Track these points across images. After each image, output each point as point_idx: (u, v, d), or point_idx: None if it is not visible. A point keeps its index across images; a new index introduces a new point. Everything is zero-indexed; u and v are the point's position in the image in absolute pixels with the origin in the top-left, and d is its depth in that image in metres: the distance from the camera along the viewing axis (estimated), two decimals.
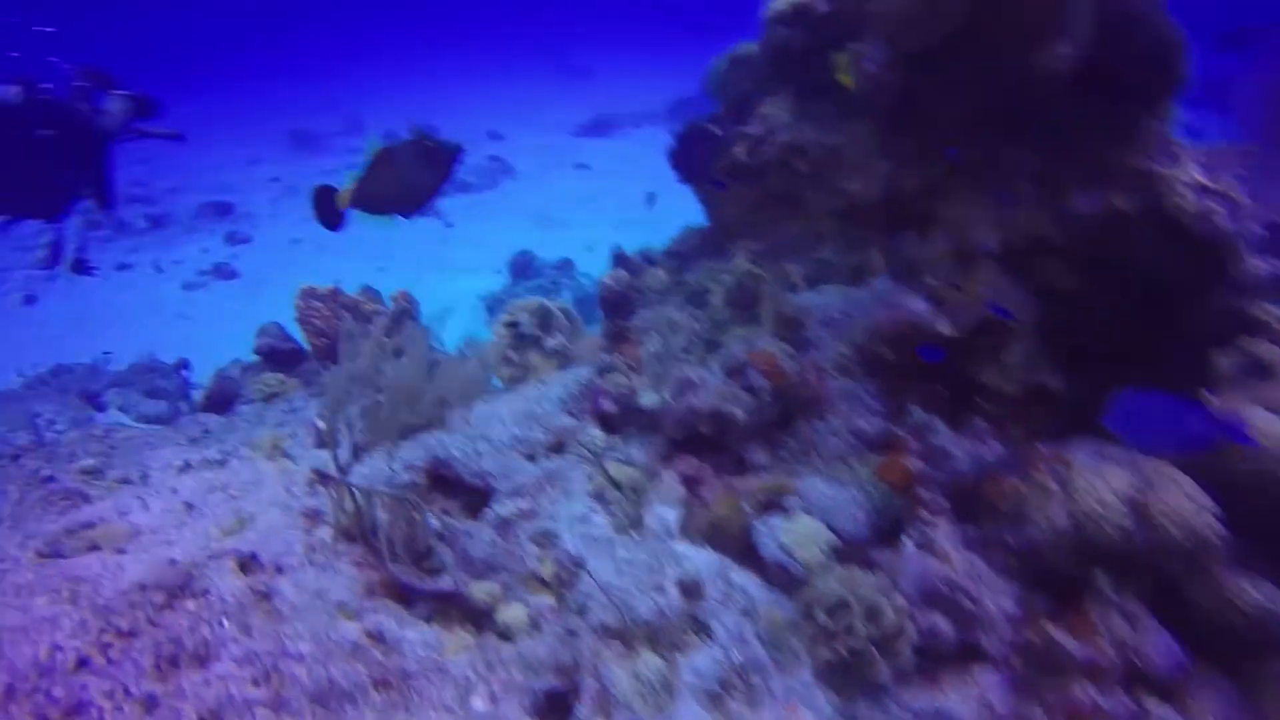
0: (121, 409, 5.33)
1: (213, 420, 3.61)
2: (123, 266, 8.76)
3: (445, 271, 8.45)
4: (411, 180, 2.49)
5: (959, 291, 2.36)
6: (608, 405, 2.59)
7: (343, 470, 2.53)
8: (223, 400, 4.22)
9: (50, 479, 3.06)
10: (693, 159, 3.20)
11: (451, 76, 20.46)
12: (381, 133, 13.48)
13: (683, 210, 4.41)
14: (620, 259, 3.55)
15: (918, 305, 2.41)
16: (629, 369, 2.83)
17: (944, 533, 2.03)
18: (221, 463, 2.73)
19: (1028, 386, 2.27)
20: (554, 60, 21.55)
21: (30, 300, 7.98)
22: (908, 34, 2.25)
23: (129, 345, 6.94)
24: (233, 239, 9.48)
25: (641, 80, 19.14)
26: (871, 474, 2.15)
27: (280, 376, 3.80)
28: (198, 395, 5.62)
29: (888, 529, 2.10)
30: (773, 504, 2.14)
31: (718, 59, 3.38)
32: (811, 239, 3.13)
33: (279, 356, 4.06)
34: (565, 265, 7.70)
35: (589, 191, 10.94)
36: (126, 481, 2.95)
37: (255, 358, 4.18)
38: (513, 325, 2.85)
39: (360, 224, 2.55)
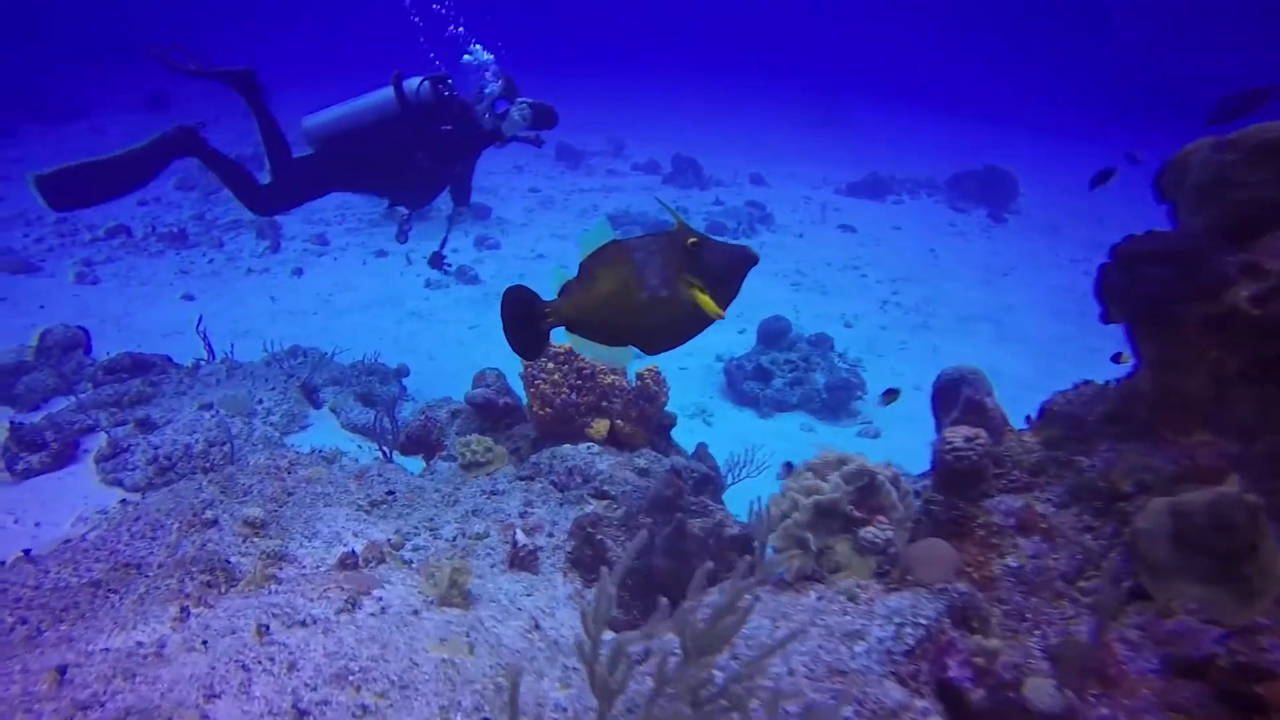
0: (334, 410, 5.02)
1: (400, 480, 2.96)
2: (380, 254, 8.90)
3: None
4: (662, 302, 1.65)
5: None
6: (962, 679, 1.54)
7: None
8: (422, 444, 3.62)
9: (214, 523, 2.49)
10: (1146, 290, 2.04)
11: (715, 118, 20.16)
12: (609, 212, 13.09)
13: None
14: (972, 406, 2.45)
15: None
16: (986, 598, 1.75)
17: None
18: (381, 609, 1.95)
19: None
20: (825, 112, 20.61)
21: (298, 273, 8.24)
22: None
23: (362, 335, 6.82)
24: (482, 244, 9.41)
25: (920, 146, 17.70)
26: None
27: (488, 443, 3.09)
28: (402, 416, 5.23)
29: None
30: None
31: (1199, 144, 2.19)
32: None
33: (493, 412, 3.38)
34: (821, 341, 6.65)
35: (853, 258, 9.80)
36: (280, 560, 2.30)
37: (467, 405, 3.54)
38: (812, 493, 1.86)
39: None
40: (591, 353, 1.75)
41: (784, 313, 7.67)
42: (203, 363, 5.45)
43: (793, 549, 1.82)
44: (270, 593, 2.00)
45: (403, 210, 5.47)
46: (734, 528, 2.39)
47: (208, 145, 4.86)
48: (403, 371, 5.69)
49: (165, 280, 7.65)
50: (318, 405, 5.06)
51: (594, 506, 2.75)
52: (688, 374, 6.67)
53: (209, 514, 2.51)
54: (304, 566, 2.34)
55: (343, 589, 1.99)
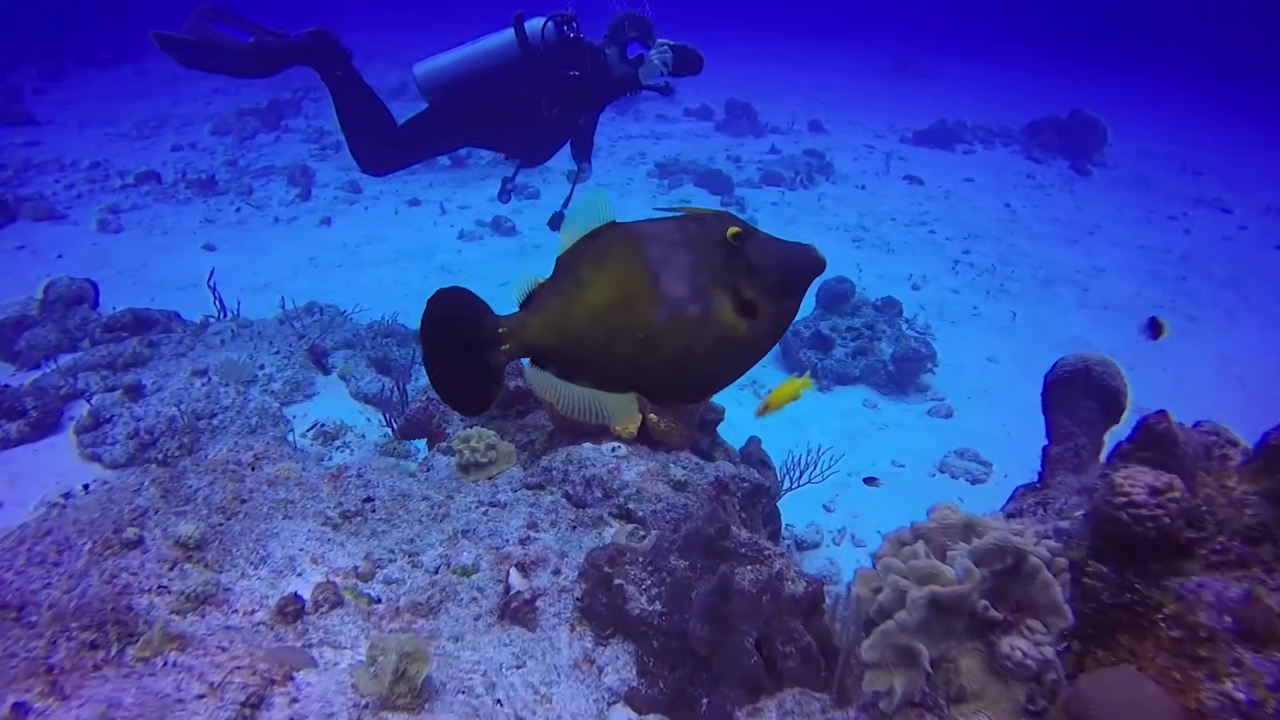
0: (343, 377, 4.49)
1: (383, 483, 2.39)
2: (414, 202, 8.32)
3: None
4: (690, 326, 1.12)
5: None
6: None
7: None
8: (422, 430, 3.05)
9: (138, 543, 1.95)
10: None
11: (772, 62, 18.92)
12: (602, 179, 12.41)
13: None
14: (1156, 436, 1.72)
15: None
16: None
17: None
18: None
19: None
20: (892, 58, 19.18)
21: (326, 222, 7.72)
22: None
23: (387, 291, 6.28)
24: (520, 192, 8.74)
25: (993, 93, 16.32)
26: None
27: (491, 439, 2.49)
28: (418, 385, 4.67)
29: None
30: None
31: None
32: None
33: (502, 396, 2.78)
34: (888, 306, 5.87)
35: (920, 213, 8.87)
36: (204, 603, 1.75)
37: None
38: (927, 579, 1.21)
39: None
40: (568, 404, 1.14)
41: (845, 272, 6.89)
42: (211, 320, 4.97)
43: (894, 663, 1.17)
44: (155, 671, 1.44)
45: (510, 167, 4.90)
46: (797, 583, 1.75)
47: (346, 61, 4.26)
48: None
49: (188, 229, 7.20)
50: (327, 371, 4.54)
51: (615, 531, 2.13)
52: None
53: (132, 531, 1.97)
54: (234, 611, 1.78)
55: (255, 671, 1.42)
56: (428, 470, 2.66)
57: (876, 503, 4.26)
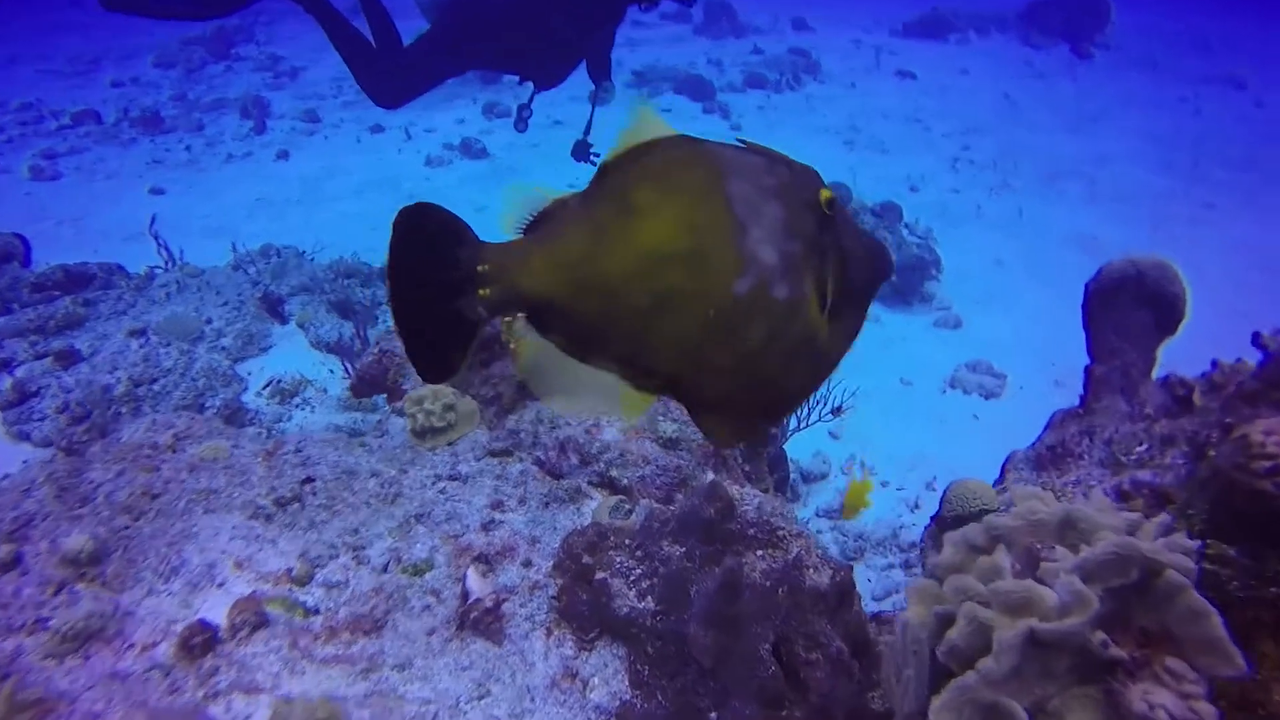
0: (301, 325, 4.07)
1: (326, 458, 2.01)
2: (377, 129, 7.70)
3: None
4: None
5: None
6: None
7: None
8: (378, 386, 2.66)
9: (14, 564, 1.59)
10: None
11: None
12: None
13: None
14: None
15: None
16: None
17: None
18: None
19: None
20: None
21: (283, 156, 7.12)
22: None
23: (351, 226, 5.78)
24: (491, 110, 8.10)
25: None
26: None
27: (448, 399, 2.10)
28: (383, 329, 4.25)
29: None
30: None
31: None
32: None
33: None
34: (888, 210, 5.41)
35: (915, 109, 8.27)
36: (90, 639, 1.40)
37: None
38: (1019, 608, 0.84)
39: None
40: (570, 398, 0.77)
41: (838, 176, 6.38)
42: (158, 271, 4.51)
43: None
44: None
45: (524, 90, 4.40)
46: (821, 571, 1.40)
47: None
48: None
49: (134, 172, 6.61)
50: (284, 320, 4.12)
51: (596, 506, 1.77)
52: None
53: (7, 549, 1.60)
54: (129, 646, 1.43)
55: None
56: (382, 436, 2.29)
57: (887, 426, 3.93)
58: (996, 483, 2.33)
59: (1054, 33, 10.62)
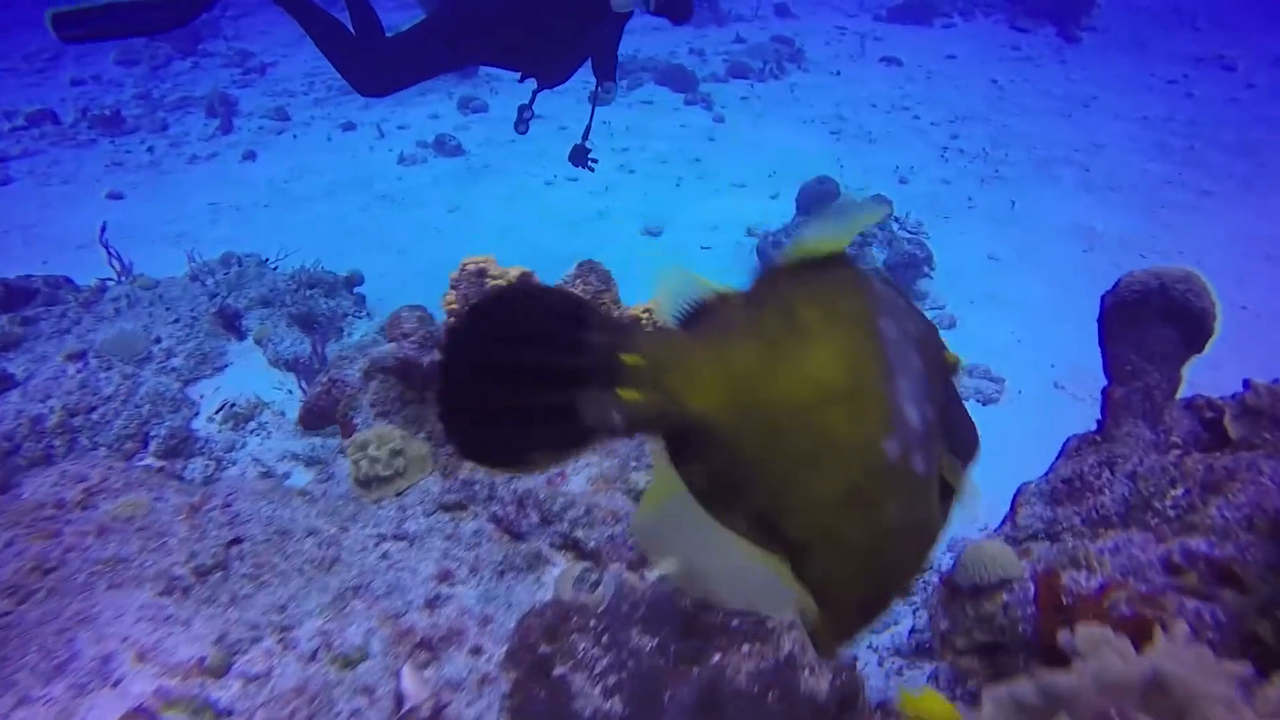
0: (259, 341, 3.80)
1: (259, 513, 1.77)
2: (348, 126, 7.38)
3: (705, 181, 6.24)
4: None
5: None
6: None
7: None
8: (327, 418, 2.42)
9: None
10: None
11: None
12: None
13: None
14: None
15: None
16: None
17: None
18: None
19: None
20: None
21: (250, 157, 6.81)
22: None
23: (321, 230, 5.51)
24: (466, 105, 7.80)
25: None
26: None
27: (395, 443, 1.85)
28: (351, 341, 3.99)
29: None
30: None
31: None
32: None
33: (414, 378, 2.12)
34: (877, 204, 5.17)
35: (901, 97, 8.02)
36: None
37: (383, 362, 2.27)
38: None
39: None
40: (702, 573, 0.54)
41: (824, 168, 6.14)
42: (110, 284, 4.23)
43: None
44: None
45: (500, 85, 4.11)
46: (819, 677, 1.16)
47: None
48: (355, 280, 4.41)
49: (92, 176, 6.29)
50: (241, 335, 3.85)
51: (559, 574, 1.54)
52: (713, 254, 5.31)
53: None
54: None
55: None
56: (327, 480, 2.04)
57: None
58: (1006, 518, 2.11)
59: (1041, 14, 10.38)
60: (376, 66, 3.72)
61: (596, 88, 4.08)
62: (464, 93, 8.00)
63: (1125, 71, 8.80)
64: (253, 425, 3.26)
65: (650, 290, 0.66)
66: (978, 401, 3.94)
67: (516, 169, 6.43)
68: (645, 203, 5.84)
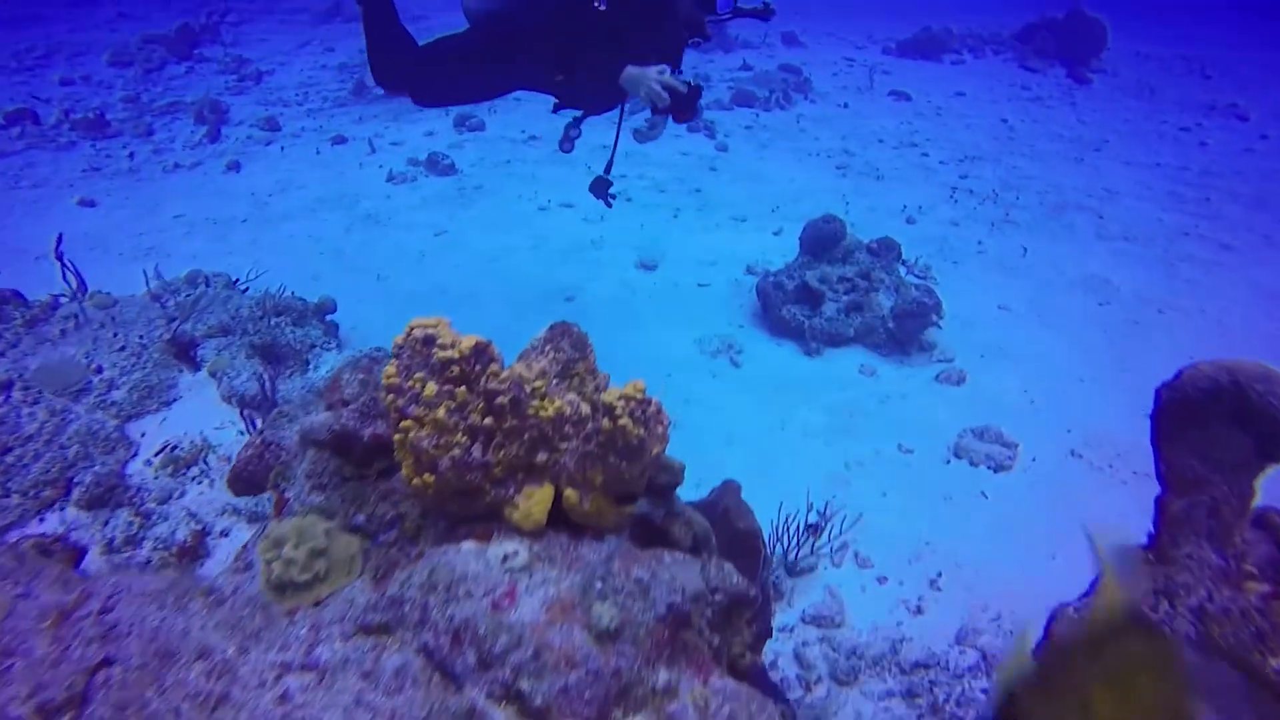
0: (214, 374, 3.47)
1: (141, 631, 1.43)
2: (339, 140, 7.09)
3: (705, 213, 5.93)
4: None
5: None
6: None
7: None
8: (256, 486, 2.08)
9: None
10: None
11: None
12: None
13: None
14: None
15: None
16: None
17: None
18: None
19: None
20: None
21: (234, 168, 6.51)
22: None
23: (299, 249, 5.19)
24: (462, 123, 7.52)
25: None
26: None
27: (317, 542, 1.52)
28: (317, 376, 3.65)
29: None
30: None
31: None
32: None
33: (352, 451, 1.79)
34: (887, 248, 4.87)
35: (910, 133, 7.77)
36: None
37: (323, 430, 1.94)
38: None
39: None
40: None
41: (830, 204, 5.87)
42: (63, 300, 3.90)
43: None
44: None
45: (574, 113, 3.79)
46: None
47: None
48: (326, 307, 4.08)
49: (66, 181, 5.97)
50: (196, 366, 3.52)
51: None
52: (710, 292, 4.99)
53: None
54: None
55: None
56: (245, 570, 1.70)
57: (885, 503, 3.39)
58: (1040, 645, 1.78)
59: (1050, 55, 10.18)
60: (408, 59, 3.45)
61: (622, 111, 3.76)
62: (461, 110, 7.72)
63: (1136, 116, 8.57)
64: (194, 471, 2.92)
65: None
66: (988, 469, 3.62)
67: (509, 191, 6.13)
68: (640, 234, 5.54)
